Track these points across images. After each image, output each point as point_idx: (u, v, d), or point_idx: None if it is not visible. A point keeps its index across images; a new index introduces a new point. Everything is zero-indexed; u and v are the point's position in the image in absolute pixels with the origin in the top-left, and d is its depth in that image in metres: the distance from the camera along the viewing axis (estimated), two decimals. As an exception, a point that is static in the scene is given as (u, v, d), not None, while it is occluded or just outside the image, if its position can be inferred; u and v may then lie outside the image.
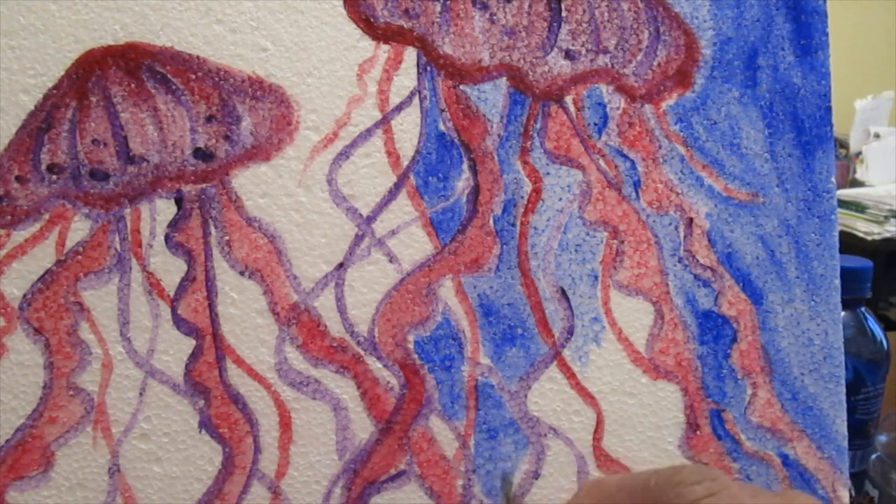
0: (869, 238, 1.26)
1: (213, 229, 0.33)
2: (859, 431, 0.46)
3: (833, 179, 0.36)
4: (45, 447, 0.33)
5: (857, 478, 0.46)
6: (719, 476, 0.26)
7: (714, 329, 0.35)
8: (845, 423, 0.36)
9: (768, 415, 0.35)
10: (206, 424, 0.33)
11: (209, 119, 0.34)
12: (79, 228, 0.33)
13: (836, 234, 0.36)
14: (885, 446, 0.48)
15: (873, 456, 0.47)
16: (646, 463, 0.35)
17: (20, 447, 0.32)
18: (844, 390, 0.36)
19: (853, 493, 0.39)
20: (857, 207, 1.33)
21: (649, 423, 0.35)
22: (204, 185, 0.33)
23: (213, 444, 0.33)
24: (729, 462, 0.35)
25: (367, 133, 0.34)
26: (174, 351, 0.33)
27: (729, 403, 0.35)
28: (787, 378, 0.36)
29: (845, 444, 0.36)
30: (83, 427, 0.33)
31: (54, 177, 0.33)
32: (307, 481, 0.34)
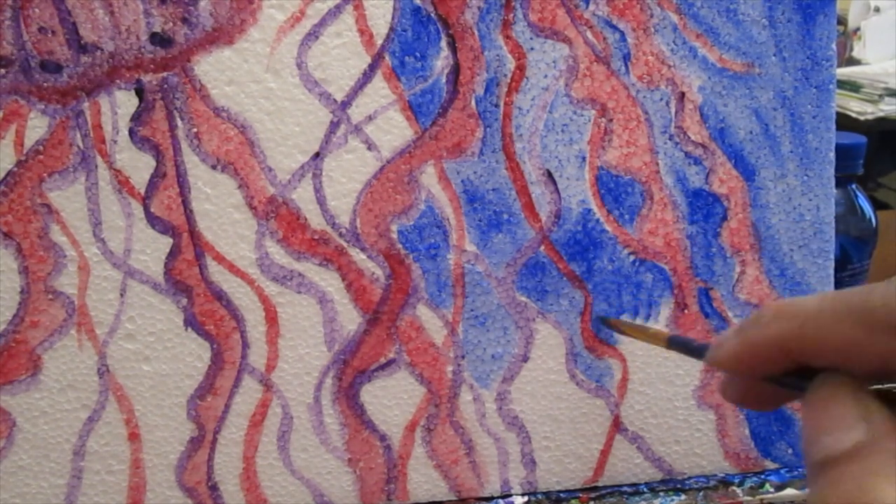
0: (862, 118, 1.23)
1: (179, 121, 0.32)
2: (844, 305, 0.47)
3: (833, 46, 0.34)
4: (31, 351, 0.32)
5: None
6: None
7: (704, 208, 0.35)
8: (832, 297, 0.36)
9: (756, 292, 0.35)
10: (191, 322, 0.33)
11: (164, 0, 0.31)
12: (36, 126, 0.31)
13: (834, 104, 0.35)
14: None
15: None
16: (633, 342, 0.35)
17: (5, 353, 0.32)
18: (833, 265, 0.36)
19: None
20: (852, 87, 1.29)
21: (637, 304, 0.35)
22: (165, 74, 0.31)
23: (200, 340, 0.33)
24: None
25: (336, 9, 0.31)
26: (151, 250, 0.32)
27: (717, 282, 0.35)
28: (777, 255, 0.35)
29: (831, 316, 0.36)
30: (67, 330, 0.32)
31: (2, 70, 0.31)
32: (298, 373, 0.34)
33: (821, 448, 0.17)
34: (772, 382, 0.20)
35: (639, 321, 0.35)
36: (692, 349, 0.24)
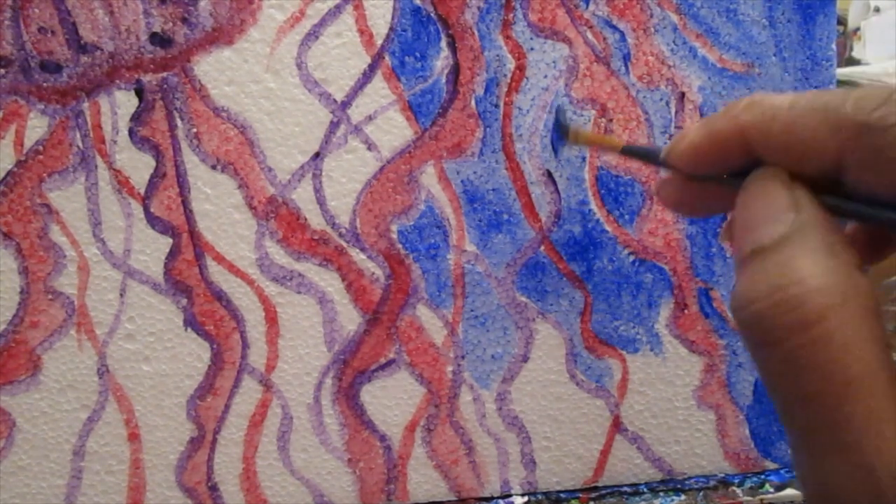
0: (861, 117, 1.23)
1: (179, 121, 0.32)
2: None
3: (833, 46, 0.34)
4: (31, 352, 0.32)
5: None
6: None
7: (704, 208, 0.35)
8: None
9: (756, 291, 0.35)
10: (191, 322, 0.33)
11: (164, 0, 0.31)
12: (36, 126, 0.31)
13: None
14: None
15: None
16: (634, 343, 0.35)
17: (5, 353, 0.32)
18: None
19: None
20: (851, 87, 1.29)
21: (637, 304, 0.35)
22: (165, 74, 0.31)
23: (199, 341, 0.33)
24: (715, 339, 0.36)
25: (336, 9, 0.31)
26: (151, 250, 0.32)
27: (717, 282, 0.35)
28: (777, 254, 0.35)
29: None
30: (67, 330, 0.32)
31: (2, 70, 0.31)
32: (298, 373, 0.34)
33: (750, 241, 0.17)
34: (714, 181, 0.20)
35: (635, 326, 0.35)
36: (647, 154, 0.24)
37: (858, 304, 0.16)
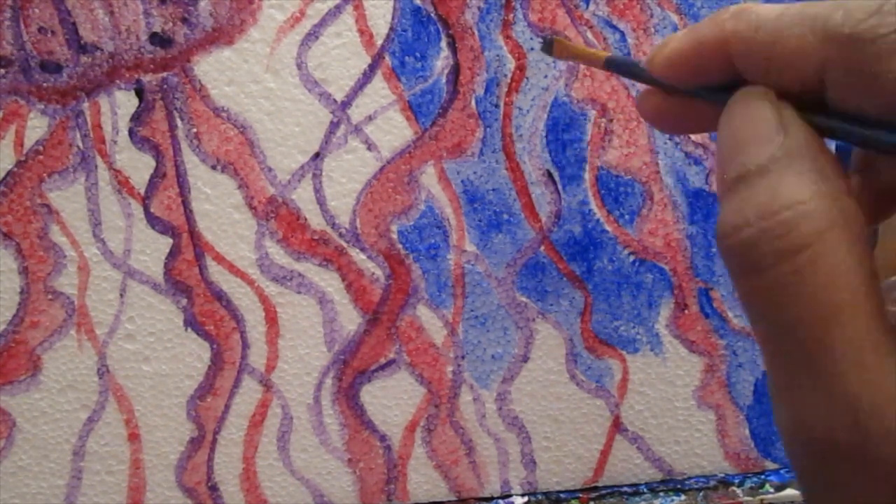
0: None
1: (179, 121, 0.32)
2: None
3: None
4: (31, 352, 0.32)
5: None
6: None
7: (704, 208, 0.35)
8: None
9: (756, 291, 0.35)
10: (191, 322, 0.33)
11: (163, 0, 0.31)
12: (36, 126, 0.31)
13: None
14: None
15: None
16: (634, 343, 0.35)
17: (5, 353, 0.32)
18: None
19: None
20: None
21: (637, 304, 0.35)
22: (165, 74, 0.31)
23: (200, 341, 0.33)
24: (715, 339, 0.36)
25: (336, 9, 0.31)
26: (151, 250, 0.32)
27: (717, 282, 0.35)
28: (777, 254, 0.35)
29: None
30: (67, 330, 0.32)
31: (2, 70, 0.31)
32: (298, 373, 0.34)
33: (735, 165, 0.16)
34: (696, 95, 0.19)
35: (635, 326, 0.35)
36: (629, 66, 0.22)
37: (848, 230, 0.15)
